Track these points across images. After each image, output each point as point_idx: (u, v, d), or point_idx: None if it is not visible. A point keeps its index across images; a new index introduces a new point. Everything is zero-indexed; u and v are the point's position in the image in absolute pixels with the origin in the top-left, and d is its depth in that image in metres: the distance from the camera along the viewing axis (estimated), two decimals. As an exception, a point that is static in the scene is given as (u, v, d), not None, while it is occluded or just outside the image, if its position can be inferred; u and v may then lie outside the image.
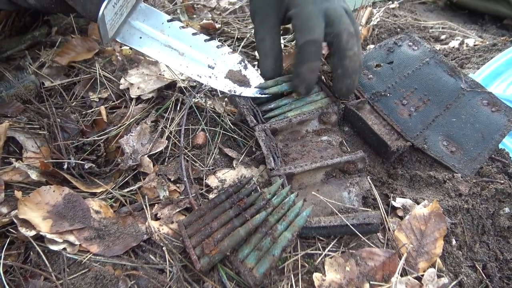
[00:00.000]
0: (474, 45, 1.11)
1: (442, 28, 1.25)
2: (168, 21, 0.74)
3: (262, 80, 0.74)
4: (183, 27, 0.74)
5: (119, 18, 0.69)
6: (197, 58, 0.73)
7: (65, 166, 0.67)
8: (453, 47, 1.11)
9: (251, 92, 0.73)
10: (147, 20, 0.73)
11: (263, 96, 0.74)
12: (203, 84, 0.74)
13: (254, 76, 0.74)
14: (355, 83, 0.71)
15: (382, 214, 0.63)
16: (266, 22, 0.73)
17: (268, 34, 0.73)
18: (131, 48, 0.94)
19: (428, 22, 1.29)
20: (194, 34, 0.74)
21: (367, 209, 0.63)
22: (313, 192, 0.64)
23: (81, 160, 0.69)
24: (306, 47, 0.66)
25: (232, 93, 0.72)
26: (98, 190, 0.66)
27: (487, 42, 1.11)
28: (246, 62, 0.75)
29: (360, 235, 0.58)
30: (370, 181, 0.68)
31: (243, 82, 0.73)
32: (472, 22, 1.44)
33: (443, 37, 1.19)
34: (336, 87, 0.72)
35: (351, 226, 0.58)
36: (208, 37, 0.75)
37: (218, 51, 0.74)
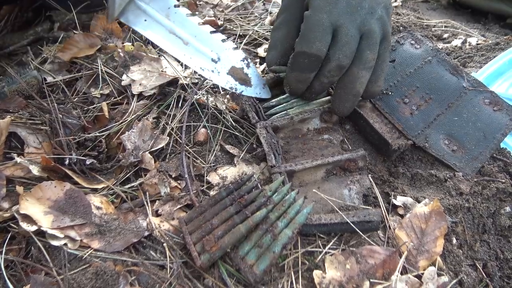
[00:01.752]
0: (477, 44, 1.10)
1: (445, 26, 1.25)
2: (175, 6, 0.72)
3: (263, 81, 0.74)
4: (189, 14, 0.72)
5: None
6: (201, 49, 0.72)
7: (67, 162, 0.67)
8: (456, 46, 1.10)
9: (251, 92, 0.72)
10: (153, 2, 0.71)
11: (263, 97, 0.73)
12: (205, 79, 0.73)
13: (256, 76, 0.73)
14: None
15: (383, 212, 0.63)
16: (286, 14, 0.70)
17: (284, 26, 0.70)
18: (134, 32, 0.94)
19: (430, 20, 1.28)
20: (200, 24, 0.73)
21: (367, 207, 0.63)
22: (314, 190, 0.64)
23: (82, 156, 0.69)
24: (299, 57, 0.63)
25: (233, 91, 0.71)
26: (100, 186, 0.66)
27: (490, 41, 1.11)
28: (249, 60, 0.73)
29: (360, 232, 0.58)
30: (370, 179, 0.68)
31: (245, 80, 0.72)
32: (475, 21, 1.44)
33: (445, 35, 1.18)
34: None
35: (351, 223, 0.58)
36: (213, 29, 0.73)
37: (222, 45, 0.73)
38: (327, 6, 0.61)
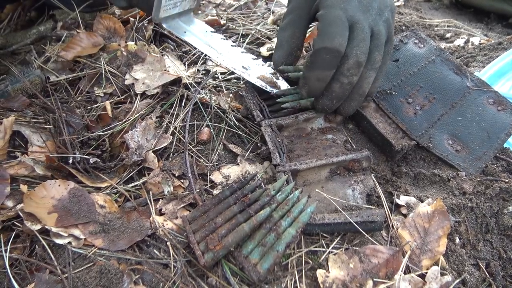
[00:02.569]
0: (480, 44, 1.10)
1: (448, 26, 1.25)
2: (212, 32, 0.81)
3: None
4: (224, 39, 0.81)
5: (171, 9, 0.74)
6: (233, 59, 0.77)
7: (70, 161, 0.67)
8: (458, 46, 1.10)
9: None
10: (193, 26, 0.80)
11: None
12: (240, 74, 0.76)
13: (285, 85, 0.75)
14: (334, 106, 0.68)
15: (386, 211, 0.63)
16: (293, 14, 0.70)
17: (291, 26, 0.70)
18: (137, 31, 0.97)
19: (433, 20, 1.28)
20: (232, 46, 0.80)
21: (371, 206, 0.63)
22: (317, 190, 0.64)
23: (86, 155, 0.69)
24: (321, 53, 0.61)
25: (264, 88, 0.74)
26: (103, 185, 0.66)
27: (493, 41, 1.11)
28: (278, 75, 0.77)
29: (364, 232, 0.58)
30: (374, 179, 0.68)
31: (275, 85, 0.75)
32: (477, 21, 1.44)
33: (448, 35, 1.18)
34: (316, 100, 0.70)
35: (354, 223, 0.58)
36: (244, 50, 0.80)
37: (253, 61, 0.79)
38: (341, 3, 0.62)
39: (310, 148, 0.70)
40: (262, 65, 0.78)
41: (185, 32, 0.78)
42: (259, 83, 0.74)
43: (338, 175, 0.66)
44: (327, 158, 0.65)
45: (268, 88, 0.74)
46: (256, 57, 0.79)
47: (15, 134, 0.71)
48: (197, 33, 0.79)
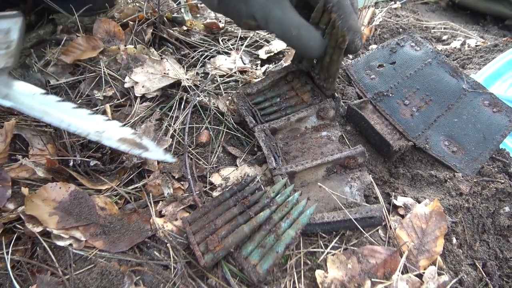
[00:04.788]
0: (476, 46, 1.11)
1: (444, 28, 1.26)
2: (42, 93, 0.66)
3: (161, 150, 0.65)
4: (60, 101, 0.66)
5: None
6: (81, 123, 0.64)
7: (71, 163, 0.68)
8: (455, 48, 1.11)
9: (151, 155, 0.64)
10: (15, 88, 0.65)
11: (167, 161, 0.66)
12: (96, 139, 0.63)
13: (152, 144, 0.65)
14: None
15: (384, 212, 0.64)
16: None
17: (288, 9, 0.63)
18: (136, 35, 0.94)
19: (430, 22, 1.29)
20: (73, 108, 0.66)
21: (369, 205, 0.64)
22: (318, 184, 0.65)
23: (86, 158, 0.70)
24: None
25: (131, 153, 0.64)
26: (103, 187, 0.67)
27: (489, 43, 1.12)
28: (142, 135, 0.66)
29: (362, 229, 0.59)
30: (371, 178, 0.68)
31: (141, 146, 0.64)
32: (474, 23, 1.45)
33: (445, 37, 1.19)
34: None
35: (354, 220, 0.58)
36: (92, 112, 0.67)
37: (106, 122, 0.66)
38: None
39: (305, 148, 0.70)
40: (120, 126, 0.66)
41: (5, 96, 0.63)
42: (122, 148, 0.63)
43: (335, 173, 0.67)
44: (323, 157, 0.66)
45: (136, 153, 0.63)
46: (107, 118, 0.67)
47: (16, 137, 0.72)
48: (23, 98, 0.64)
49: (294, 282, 0.56)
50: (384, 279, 0.55)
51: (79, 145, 0.71)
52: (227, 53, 1.01)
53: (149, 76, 0.85)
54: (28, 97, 0.65)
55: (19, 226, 0.59)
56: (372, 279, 0.55)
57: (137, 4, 1.06)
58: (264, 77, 0.81)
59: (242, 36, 1.08)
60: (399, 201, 0.66)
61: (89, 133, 0.63)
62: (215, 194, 0.67)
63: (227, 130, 0.78)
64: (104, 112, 0.80)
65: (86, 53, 0.91)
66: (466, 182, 0.69)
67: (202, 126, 0.79)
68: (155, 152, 0.64)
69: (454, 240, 0.63)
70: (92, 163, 0.69)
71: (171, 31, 1.03)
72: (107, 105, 0.81)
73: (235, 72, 0.93)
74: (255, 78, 0.90)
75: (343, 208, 0.60)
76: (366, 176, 0.67)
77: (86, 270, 0.55)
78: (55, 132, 0.72)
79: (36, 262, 0.56)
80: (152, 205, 0.64)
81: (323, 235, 0.61)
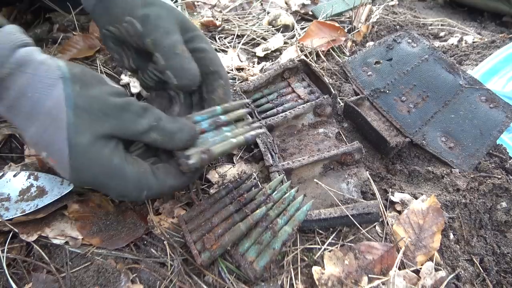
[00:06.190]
0: (473, 42, 1.11)
1: (441, 25, 1.26)
2: None
3: (58, 181, 0.61)
4: None
5: None
6: None
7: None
8: (452, 44, 1.11)
9: (51, 198, 0.60)
10: None
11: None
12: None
13: (48, 180, 0.62)
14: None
15: (381, 208, 0.64)
16: None
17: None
18: None
19: (427, 19, 1.29)
20: None
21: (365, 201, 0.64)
22: (315, 180, 0.64)
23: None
24: None
25: (34, 209, 0.59)
26: (100, 185, 0.67)
27: (486, 39, 1.12)
28: (35, 173, 0.62)
29: (359, 226, 0.59)
30: (368, 175, 0.68)
31: (41, 192, 0.60)
32: (471, 19, 1.45)
33: (442, 34, 1.19)
34: None
35: (350, 216, 0.58)
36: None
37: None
38: None
39: (302, 145, 0.70)
40: (14, 176, 0.61)
41: None
42: (28, 209, 0.58)
43: (332, 169, 0.67)
44: (319, 154, 0.66)
45: (39, 205, 0.58)
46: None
47: (11, 137, 0.72)
48: None
49: (291, 278, 0.56)
50: (381, 275, 0.55)
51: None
52: (224, 51, 1.01)
53: (145, 74, 0.85)
54: None
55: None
56: (369, 275, 0.55)
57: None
58: (260, 74, 0.80)
59: (239, 34, 1.08)
60: (396, 197, 0.66)
61: None
62: (212, 191, 0.67)
63: (224, 128, 0.78)
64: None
65: (83, 51, 0.91)
66: (463, 178, 0.69)
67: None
68: (55, 191, 0.61)
69: (451, 236, 0.63)
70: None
71: (168, 29, 1.02)
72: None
73: (232, 70, 0.93)
74: (252, 76, 0.90)
75: (340, 204, 0.60)
76: (363, 173, 0.67)
77: (83, 268, 0.55)
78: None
79: (32, 260, 0.56)
80: (149, 202, 0.64)
81: (320, 231, 0.61)
